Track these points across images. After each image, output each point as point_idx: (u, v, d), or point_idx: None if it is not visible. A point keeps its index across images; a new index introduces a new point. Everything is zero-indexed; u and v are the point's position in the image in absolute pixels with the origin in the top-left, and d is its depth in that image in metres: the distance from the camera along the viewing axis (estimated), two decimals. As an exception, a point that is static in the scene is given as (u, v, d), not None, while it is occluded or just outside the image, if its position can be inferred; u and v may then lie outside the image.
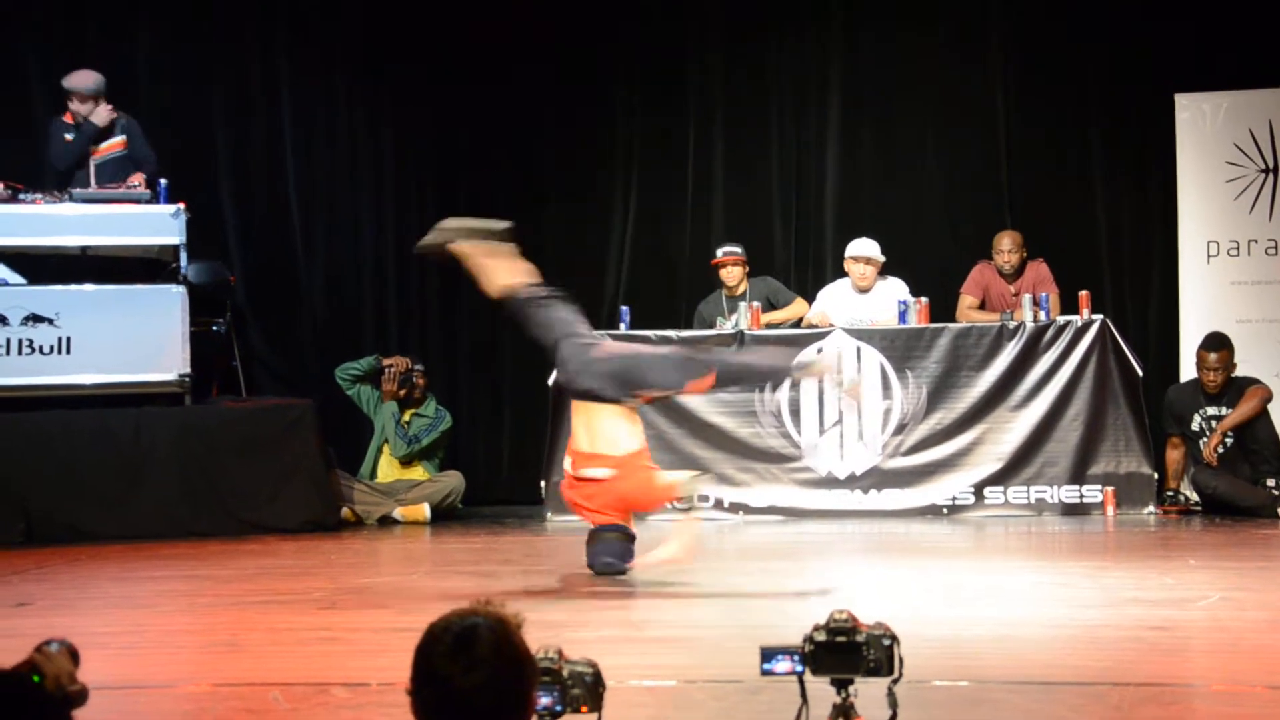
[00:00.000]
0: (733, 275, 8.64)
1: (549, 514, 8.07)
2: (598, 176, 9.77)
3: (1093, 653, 4.17)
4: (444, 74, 9.53)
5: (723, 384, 6.13)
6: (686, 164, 9.71)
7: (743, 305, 8.34)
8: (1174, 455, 8.25)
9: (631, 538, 5.66)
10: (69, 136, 8.04)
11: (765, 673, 2.60)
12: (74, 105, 8.01)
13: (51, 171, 7.97)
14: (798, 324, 8.47)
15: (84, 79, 8.03)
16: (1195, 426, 8.15)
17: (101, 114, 8.00)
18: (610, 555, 5.61)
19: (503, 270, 5.88)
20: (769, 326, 8.34)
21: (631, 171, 9.76)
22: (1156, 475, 8.00)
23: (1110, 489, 7.89)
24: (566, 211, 9.75)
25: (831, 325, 8.24)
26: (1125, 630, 4.50)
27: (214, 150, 9.40)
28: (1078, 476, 7.91)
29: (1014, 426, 7.97)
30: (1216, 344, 8.13)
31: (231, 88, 9.50)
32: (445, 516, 8.48)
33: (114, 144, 8.11)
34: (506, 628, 2.17)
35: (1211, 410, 8.12)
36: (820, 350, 6.28)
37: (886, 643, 2.61)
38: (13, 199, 7.69)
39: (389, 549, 7.54)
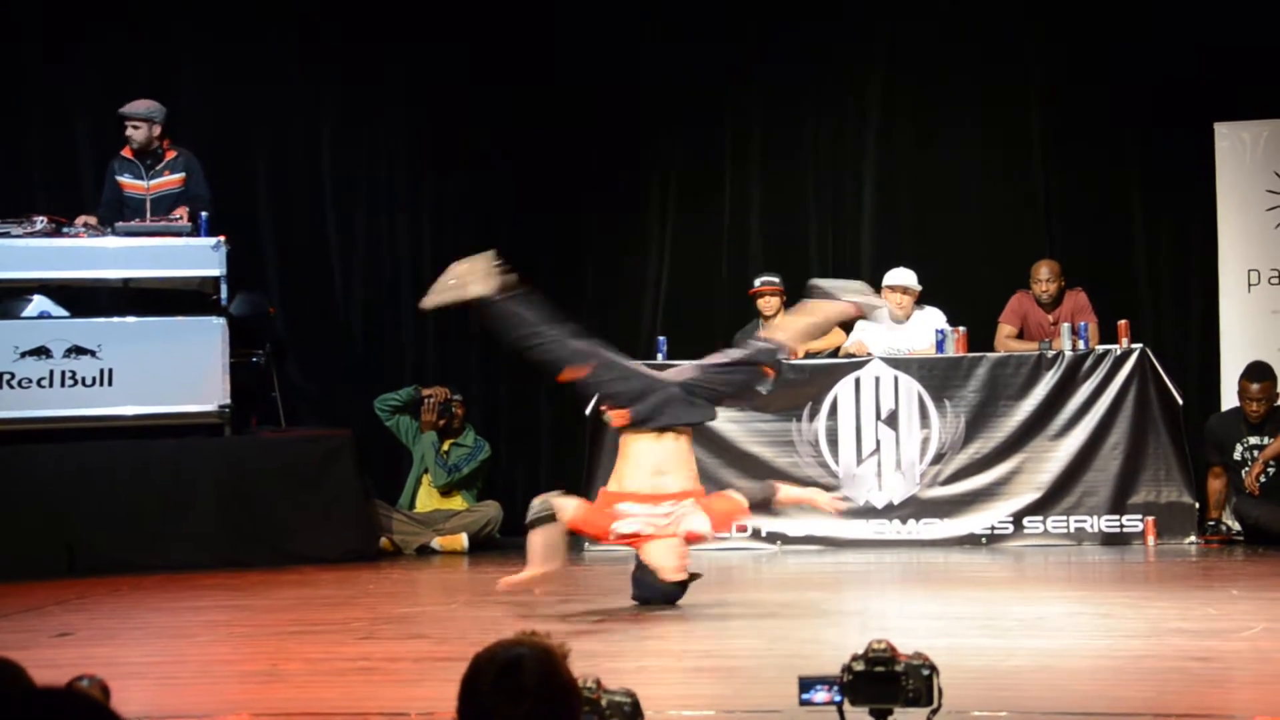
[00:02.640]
0: (770, 305, 8.65)
1: (586, 544, 8.07)
2: (635, 206, 9.79)
3: (1135, 683, 4.13)
4: (483, 108, 9.57)
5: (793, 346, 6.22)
6: (724, 193, 9.73)
7: (780, 335, 8.32)
8: (1216, 485, 8.19)
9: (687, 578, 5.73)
10: (122, 179, 8.14)
11: (804, 703, 2.60)
12: (128, 131, 8.11)
13: (104, 214, 8.06)
14: (835, 353, 8.46)
15: (135, 104, 8.16)
16: (1237, 456, 8.09)
17: (141, 135, 8.10)
18: (651, 593, 5.73)
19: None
20: (807, 355, 8.34)
21: (668, 200, 9.77)
22: (1198, 505, 7.94)
23: (1151, 519, 7.83)
24: (603, 240, 9.78)
25: (869, 354, 8.22)
26: (1168, 661, 4.47)
27: (254, 183, 9.48)
28: (1118, 506, 7.86)
29: (1053, 456, 7.93)
30: (1260, 374, 8.08)
31: (273, 122, 9.57)
32: (483, 546, 8.49)
33: (173, 180, 8.21)
34: (552, 658, 2.17)
35: (1254, 440, 8.06)
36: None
37: (925, 673, 2.59)
38: (56, 232, 7.78)
39: (427, 579, 7.56)
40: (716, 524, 5.70)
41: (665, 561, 5.60)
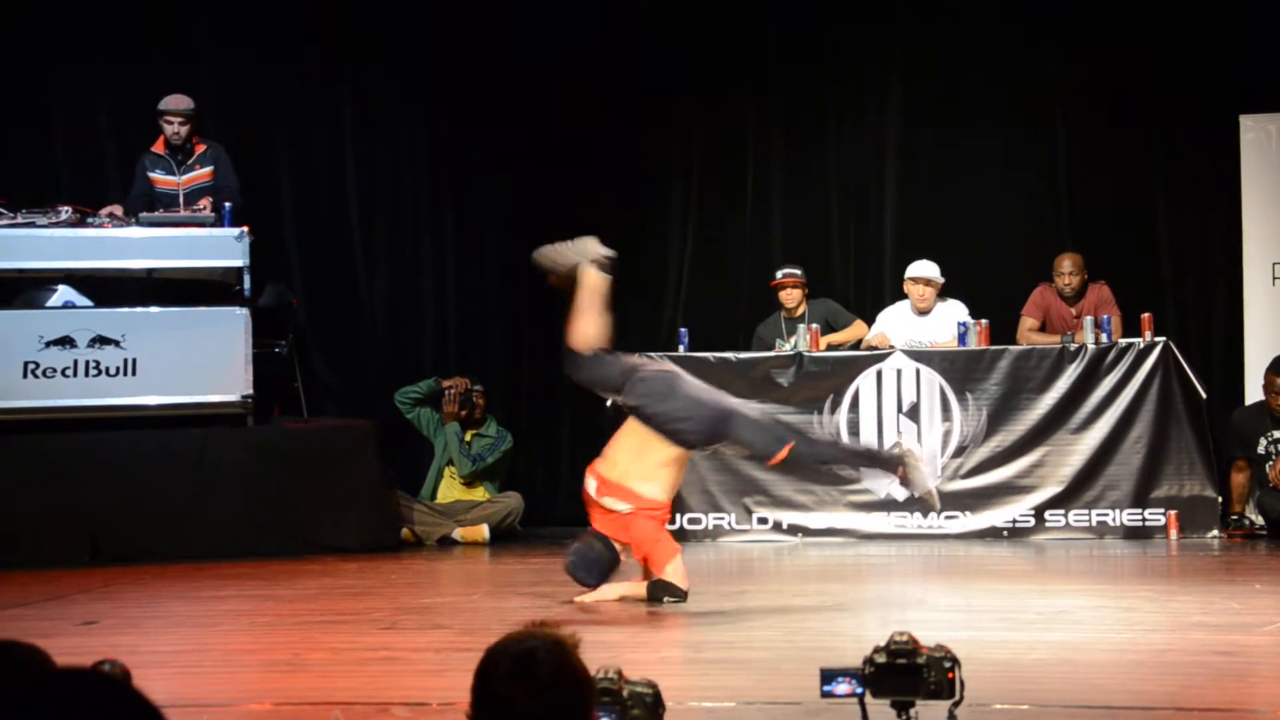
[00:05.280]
0: (792, 297, 8.64)
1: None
2: (656, 196, 9.80)
3: (1157, 677, 4.12)
4: (503, 104, 9.57)
5: (796, 460, 5.80)
6: (746, 185, 9.72)
7: (801, 327, 8.33)
8: (1239, 479, 8.16)
9: (616, 560, 5.63)
10: (154, 175, 8.18)
11: (825, 695, 2.60)
12: (166, 127, 8.14)
13: (131, 207, 8.10)
14: (857, 345, 8.45)
15: (174, 100, 8.21)
16: (1261, 450, 8.06)
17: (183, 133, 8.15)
18: (585, 568, 5.59)
19: (594, 322, 5.72)
20: (829, 348, 8.33)
21: (690, 192, 9.77)
22: (1221, 499, 7.91)
23: (1173, 512, 7.80)
24: (625, 231, 9.71)
25: (891, 347, 8.21)
26: (1190, 655, 4.45)
27: (277, 174, 9.51)
28: (1140, 500, 7.83)
29: (1075, 449, 7.91)
30: (1284, 367, 8.04)
31: (295, 111, 9.61)
32: (504, 537, 8.51)
33: (203, 174, 8.25)
34: (565, 649, 2.18)
35: (1278, 433, 8.02)
36: (906, 453, 5.73)
37: (947, 665, 2.59)
38: (81, 223, 7.82)
39: (448, 569, 7.58)
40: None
41: (661, 549, 5.59)
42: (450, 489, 8.80)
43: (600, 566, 5.58)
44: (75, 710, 1.71)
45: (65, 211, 7.77)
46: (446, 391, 8.85)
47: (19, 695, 1.72)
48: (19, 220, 7.72)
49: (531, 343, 9.64)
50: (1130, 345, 7.97)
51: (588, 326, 5.73)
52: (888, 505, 7.98)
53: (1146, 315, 8.06)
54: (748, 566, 7.30)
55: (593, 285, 5.72)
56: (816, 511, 8.03)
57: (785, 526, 8.03)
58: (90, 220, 7.85)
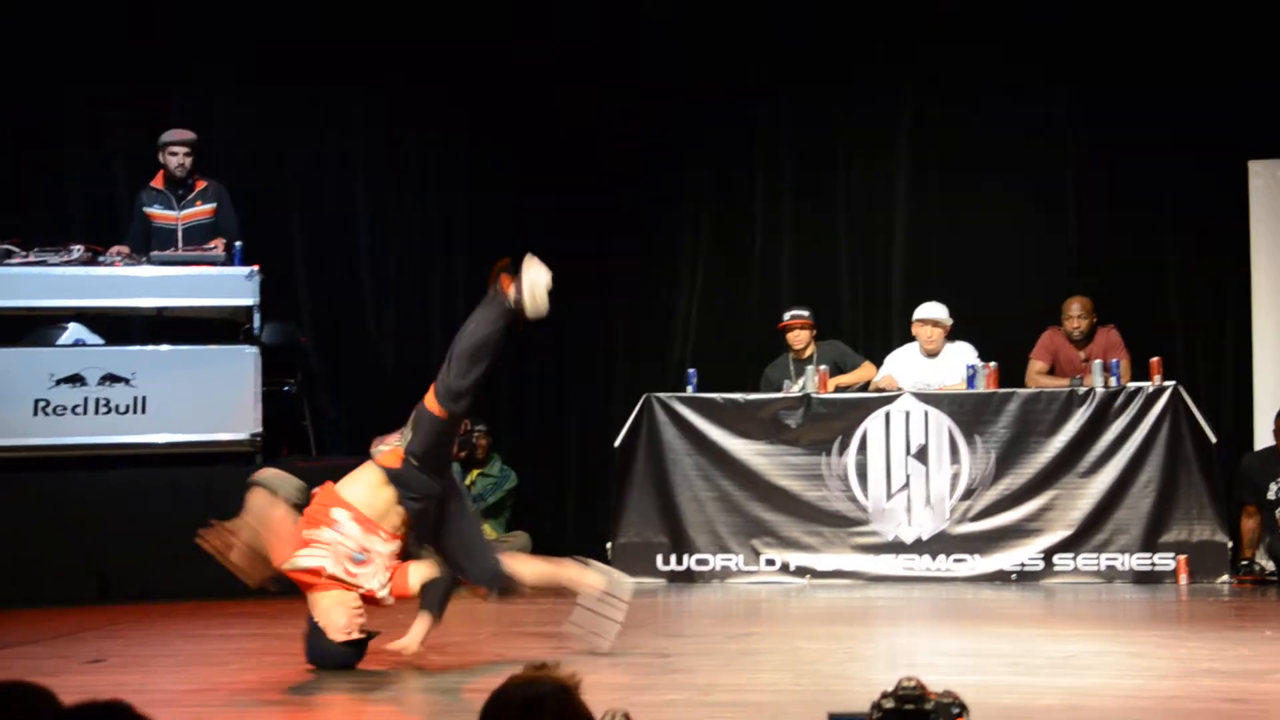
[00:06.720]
0: (799, 339, 8.65)
1: (615, 576, 8.08)
2: (667, 240, 9.83)
3: (1166, 724, 4.10)
4: (518, 144, 9.62)
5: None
6: (754, 227, 9.76)
7: (810, 368, 8.34)
8: (1249, 524, 8.14)
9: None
10: (150, 210, 8.21)
11: (833, 740, 2.59)
12: (168, 160, 8.19)
13: (130, 244, 8.13)
14: (865, 387, 8.46)
15: (177, 132, 8.28)
16: (1271, 495, 8.04)
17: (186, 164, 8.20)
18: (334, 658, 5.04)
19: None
20: (837, 389, 8.33)
21: (699, 234, 9.81)
22: (1231, 544, 7.89)
23: (1183, 557, 7.78)
24: (633, 273, 9.81)
25: (899, 389, 8.21)
26: (1200, 702, 4.43)
27: (287, 214, 9.55)
28: (1150, 544, 7.81)
29: (1084, 493, 7.89)
30: (1294, 412, 8.03)
31: (306, 153, 9.66)
32: (511, 577, 8.48)
33: (203, 210, 8.28)
34: (570, 694, 2.18)
35: (1288, 478, 8.01)
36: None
37: (955, 711, 2.58)
38: (92, 261, 7.85)
39: (455, 609, 7.48)
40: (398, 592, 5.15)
41: (332, 619, 4.95)
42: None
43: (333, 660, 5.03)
44: None
45: (77, 250, 7.82)
46: (447, 433, 8.86)
47: None
48: (31, 259, 7.76)
49: (539, 382, 9.66)
50: (1139, 389, 7.96)
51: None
52: (896, 547, 7.97)
53: (1156, 359, 8.06)
54: (755, 608, 7.28)
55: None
56: (824, 553, 8.01)
57: (793, 568, 8.01)
58: (101, 259, 7.89)
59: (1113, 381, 8.01)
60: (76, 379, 7.71)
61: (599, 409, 9.44)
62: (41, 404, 7.66)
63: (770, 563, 8.03)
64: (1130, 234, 9.38)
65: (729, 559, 8.09)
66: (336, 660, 4.99)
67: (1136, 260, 9.35)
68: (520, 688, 2.17)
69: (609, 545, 8.19)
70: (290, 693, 4.80)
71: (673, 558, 8.14)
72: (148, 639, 6.23)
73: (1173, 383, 7.97)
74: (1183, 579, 7.74)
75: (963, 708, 2.60)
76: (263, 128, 9.55)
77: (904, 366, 8.51)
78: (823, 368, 8.34)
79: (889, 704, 2.58)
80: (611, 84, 9.61)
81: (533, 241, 9.55)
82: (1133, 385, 8.02)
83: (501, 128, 9.66)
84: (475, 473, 8.87)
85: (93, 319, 8.11)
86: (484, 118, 9.69)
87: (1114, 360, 8.15)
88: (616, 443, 8.27)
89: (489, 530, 8.76)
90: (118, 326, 8.27)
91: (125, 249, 8.03)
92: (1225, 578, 7.78)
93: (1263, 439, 8.45)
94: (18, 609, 6.97)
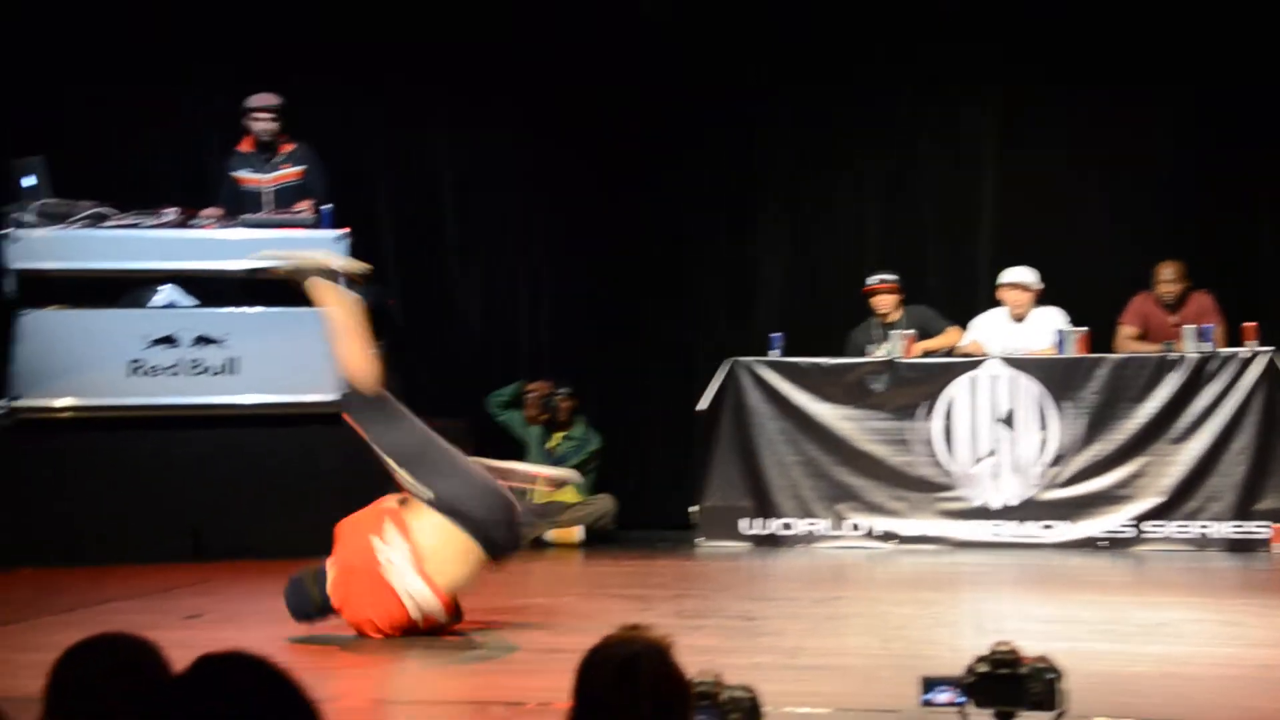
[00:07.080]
0: (884, 303, 8.59)
1: (701, 538, 8.11)
2: (750, 203, 9.80)
3: (1262, 694, 4.06)
4: (597, 114, 9.58)
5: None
6: (842, 190, 9.69)
7: (895, 333, 8.28)
8: (1345, 492, 7.98)
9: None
10: (238, 174, 8.30)
11: (926, 703, 2.59)
12: (254, 124, 8.26)
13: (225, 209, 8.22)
14: (951, 352, 8.39)
15: (263, 96, 8.33)
16: (1367, 463, 7.88)
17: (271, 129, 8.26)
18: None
19: (363, 349, 5.09)
20: (924, 354, 8.27)
21: (785, 199, 9.76)
22: (1327, 512, 7.75)
23: (1278, 525, 7.65)
24: (718, 236, 9.79)
25: (986, 354, 8.13)
26: (1295, 671, 4.38)
27: (374, 177, 9.62)
28: (1243, 511, 7.69)
29: (1176, 459, 7.78)
30: (1391, 378, 7.85)
31: (392, 112, 9.71)
32: (598, 539, 8.55)
33: (292, 173, 8.36)
34: (665, 656, 2.20)
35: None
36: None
37: (1050, 676, 2.58)
38: (185, 224, 7.96)
39: (541, 570, 7.62)
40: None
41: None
42: (541, 491, 8.85)
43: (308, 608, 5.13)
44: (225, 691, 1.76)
45: (171, 213, 7.92)
46: (527, 395, 8.96)
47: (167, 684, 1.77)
48: (127, 221, 7.88)
49: (626, 344, 9.68)
50: (1233, 355, 7.82)
51: (358, 355, 5.15)
52: (982, 513, 7.91)
53: (1250, 324, 7.91)
54: (840, 572, 7.27)
55: (339, 302, 5.25)
56: (910, 518, 7.97)
57: (878, 533, 7.99)
58: (194, 222, 7.99)
59: (1206, 347, 7.88)
60: (170, 340, 7.83)
61: (683, 373, 9.44)
62: (136, 365, 7.79)
63: (855, 527, 8.00)
64: (1225, 197, 9.18)
65: (813, 524, 8.07)
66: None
67: (1231, 224, 9.17)
68: (616, 646, 2.19)
69: (693, 509, 8.21)
70: (379, 651, 4.86)
71: (757, 522, 8.13)
72: (242, 595, 6.35)
73: (1270, 349, 7.82)
74: (1277, 547, 7.62)
75: (1058, 673, 2.59)
76: (346, 91, 9.57)
77: (991, 331, 8.42)
78: (909, 332, 8.28)
79: (984, 668, 2.58)
80: (611, 84, 9.56)
81: (614, 200, 9.61)
82: (1226, 351, 7.89)
83: (586, 106, 9.55)
84: (559, 435, 8.92)
85: (187, 281, 8.22)
86: (569, 95, 9.65)
87: (1207, 326, 8.01)
88: (701, 406, 8.28)
89: (573, 493, 8.81)
90: (211, 288, 8.37)
91: (219, 211, 8.12)
92: (1321, 547, 7.66)
93: (1360, 406, 8.27)
94: (114, 565, 7.12)
